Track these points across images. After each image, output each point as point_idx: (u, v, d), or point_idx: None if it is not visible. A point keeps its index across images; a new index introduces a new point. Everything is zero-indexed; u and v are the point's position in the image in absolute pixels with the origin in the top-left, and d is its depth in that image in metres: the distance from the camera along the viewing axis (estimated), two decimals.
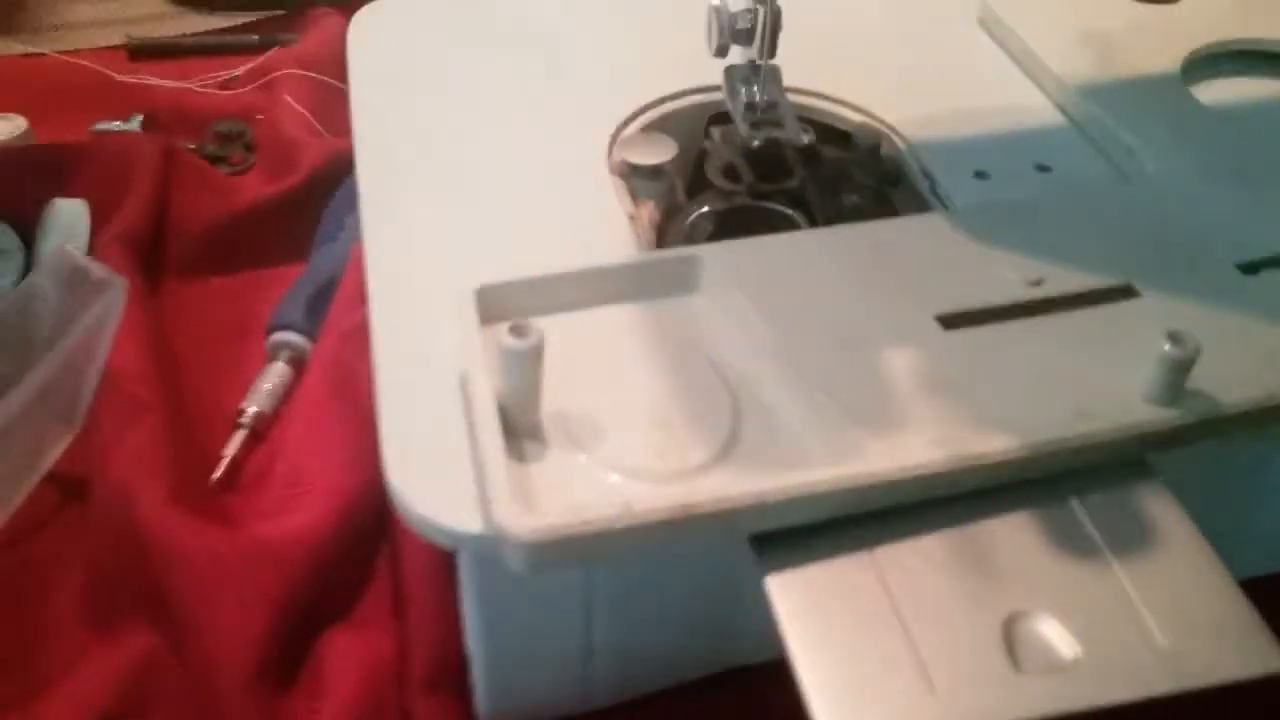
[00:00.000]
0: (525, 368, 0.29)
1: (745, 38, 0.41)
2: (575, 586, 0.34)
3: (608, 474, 0.31)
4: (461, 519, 0.30)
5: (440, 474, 0.31)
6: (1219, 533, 0.31)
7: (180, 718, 0.38)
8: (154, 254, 0.55)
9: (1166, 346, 0.31)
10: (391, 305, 0.36)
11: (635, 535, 0.28)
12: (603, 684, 0.38)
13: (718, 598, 0.36)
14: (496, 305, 0.33)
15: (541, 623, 0.35)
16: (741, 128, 0.43)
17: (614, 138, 0.44)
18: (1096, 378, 0.33)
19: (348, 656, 0.39)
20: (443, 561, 0.42)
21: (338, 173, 0.56)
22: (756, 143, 0.42)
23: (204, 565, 0.39)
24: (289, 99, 0.60)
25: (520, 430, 0.31)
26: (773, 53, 0.42)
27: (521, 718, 0.38)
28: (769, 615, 0.29)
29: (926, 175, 0.43)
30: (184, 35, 0.73)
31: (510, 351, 0.29)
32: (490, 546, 0.29)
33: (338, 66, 0.57)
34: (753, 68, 0.42)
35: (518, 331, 0.29)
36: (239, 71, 0.65)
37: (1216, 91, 0.48)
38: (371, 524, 0.42)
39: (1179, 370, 0.32)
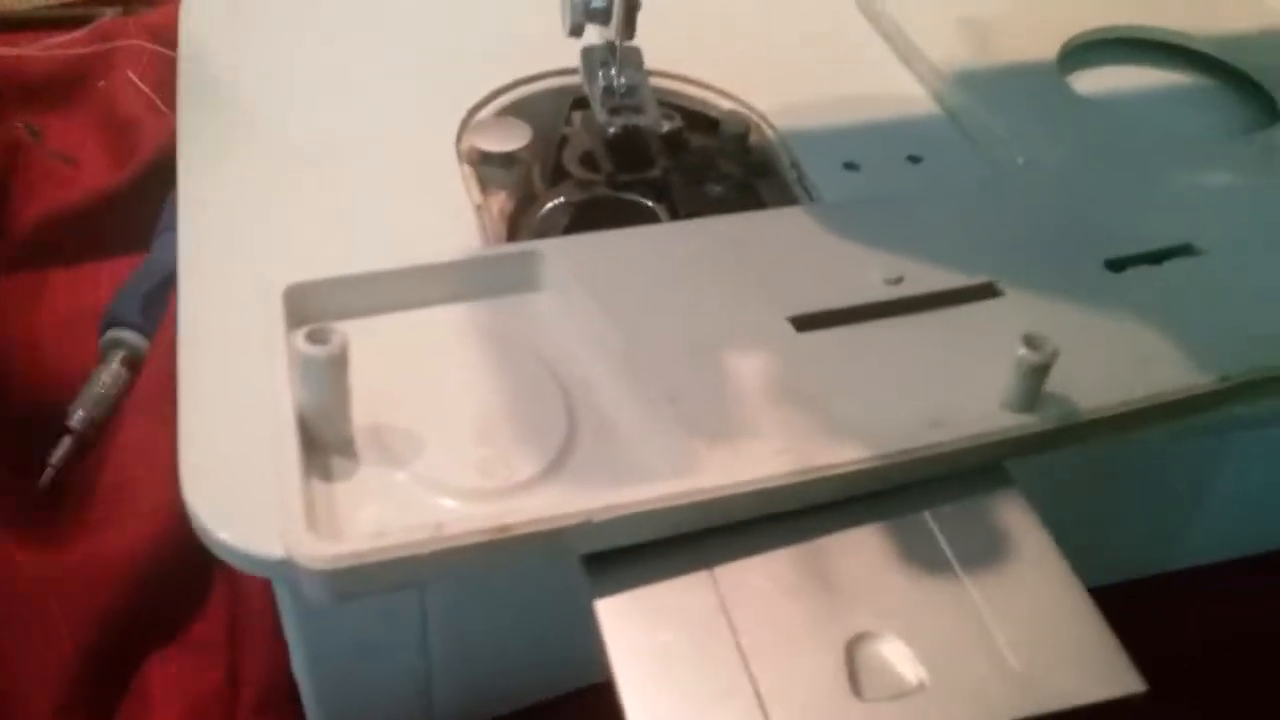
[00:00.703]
0: (327, 377, 0.27)
1: (601, 16, 0.39)
2: (407, 609, 0.32)
3: (426, 493, 0.28)
4: (264, 544, 0.27)
5: (243, 494, 0.28)
6: (1088, 537, 0.30)
7: None
8: None
9: (1022, 350, 0.30)
10: (201, 305, 0.33)
11: (448, 559, 0.26)
12: (445, 709, 0.36)
13: (563, 616, 0.34)
14: (309, 307, 0.31)
15: (372, 648, 0.33)
16: (599, 113, 0.40)
17: (464, 123, 0.41)
18: (953, 383, 0.32)
19: (173, 683, 0.37)
20: None
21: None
22: (613, 130, 0.40)
23: (18, 589, 0.36)
24: (131, 75, 0.56)
25: (329, 446, 0.28)
26: (630, 33, 0.39)
27: None
28: (598, 642, 0.27)
29: (795, 166, 0.41)
30: (36, 7, 0.68)
31: (308, 359, 0.26)
32: (294, 579, 0.27)
33: None
34: (611, 49, 0.40)
35: (316, 337, 0.26)
36: (79, 34, 0.60)
37: (1093, 80, 0.47)
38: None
39: (1035, 375, 0.30)
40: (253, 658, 0.37)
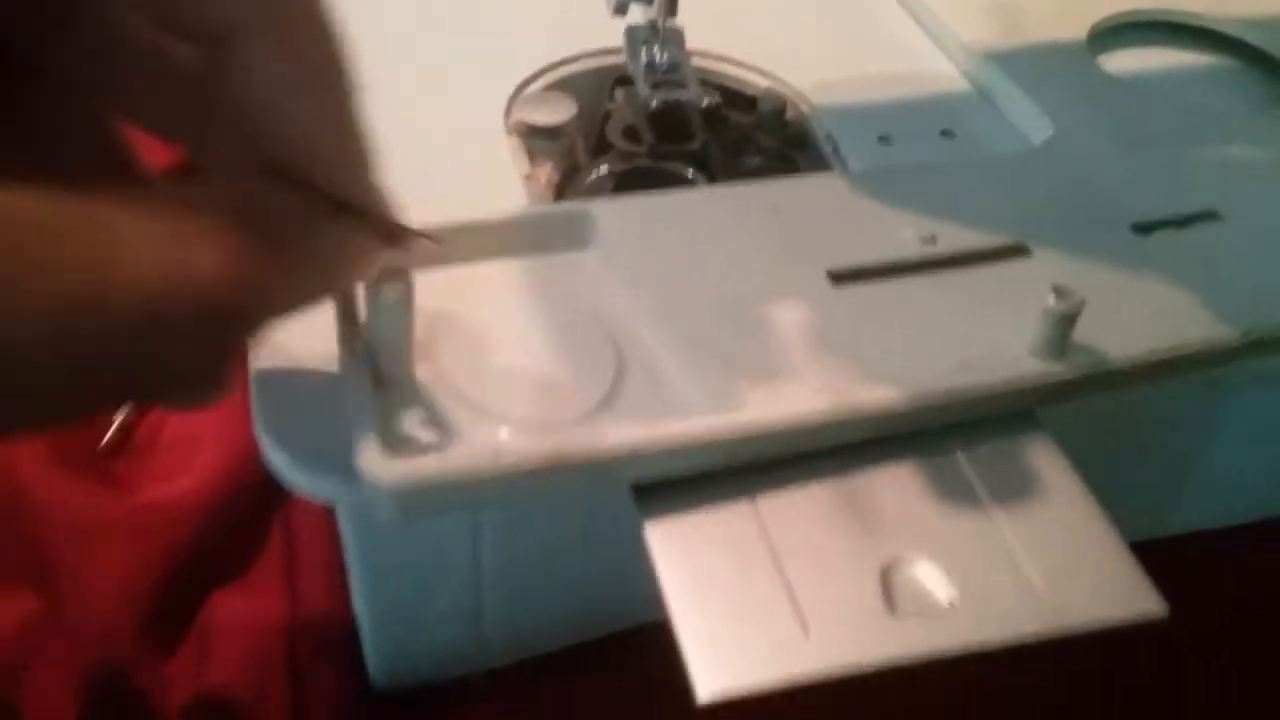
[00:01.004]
0: (394, 315, 0.29)
1: None
2: (461, 541, 0.34)
3: (483, 424, 0.30)
4: (331, 469, 0.29)
5: (313, 427, 0.30)
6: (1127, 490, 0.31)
7: (62, 680, 0.37)
8: None
9: (1051, 300, 0.31)
10: None
11: (506, 483, 0.28)
12: (497, 644, 0.37)
13: (612, 552, 0.36)
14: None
15: (428, 580, 0.35)
16: (642, 88, 0.42)
17: (513, 98, 0.43)
18: (985, 333, 0.33)
19: (236, 619, 0.38)
20: (334, 521, 0.41)
21: None
22: (655, 104, 0.42)
23: (86, 528, 0.38)
24: None
25: (393, 380, 0.30)
26: (673, 12, 0.41)
27: (414, 680, 0.38)
28: (648, 564, 0.29)
29: (830, 139, 0.43)
30: None
31: (377, 299, 0.28)
32: (361, 499, 0.28)
33: None
34: (653, 28, 0.42)
35: (386, 277, 0.28)
36: None
37: (1121, 61, 0.48)
38: (264, 484, 0.41)
39: (1063, 324, 0.32)
40: (311, 596, 0.39)
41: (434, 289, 0.31)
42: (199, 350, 0.18)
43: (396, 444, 0.29)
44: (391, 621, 0.35)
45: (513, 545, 0.35)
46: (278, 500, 0.43)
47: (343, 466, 0.29)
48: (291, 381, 0.31)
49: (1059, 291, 0.31)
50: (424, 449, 0.28)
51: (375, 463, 0.27)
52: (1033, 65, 0.45)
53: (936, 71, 0.47)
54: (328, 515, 0.41)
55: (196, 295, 0.18)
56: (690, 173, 0.42)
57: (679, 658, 0.27)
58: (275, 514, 0.42)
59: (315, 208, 0.22)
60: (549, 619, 0.37)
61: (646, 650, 0.39)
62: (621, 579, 0.37)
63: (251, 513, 0.41)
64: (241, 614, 0.38)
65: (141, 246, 0.17)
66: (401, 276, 0.28)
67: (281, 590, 0.39)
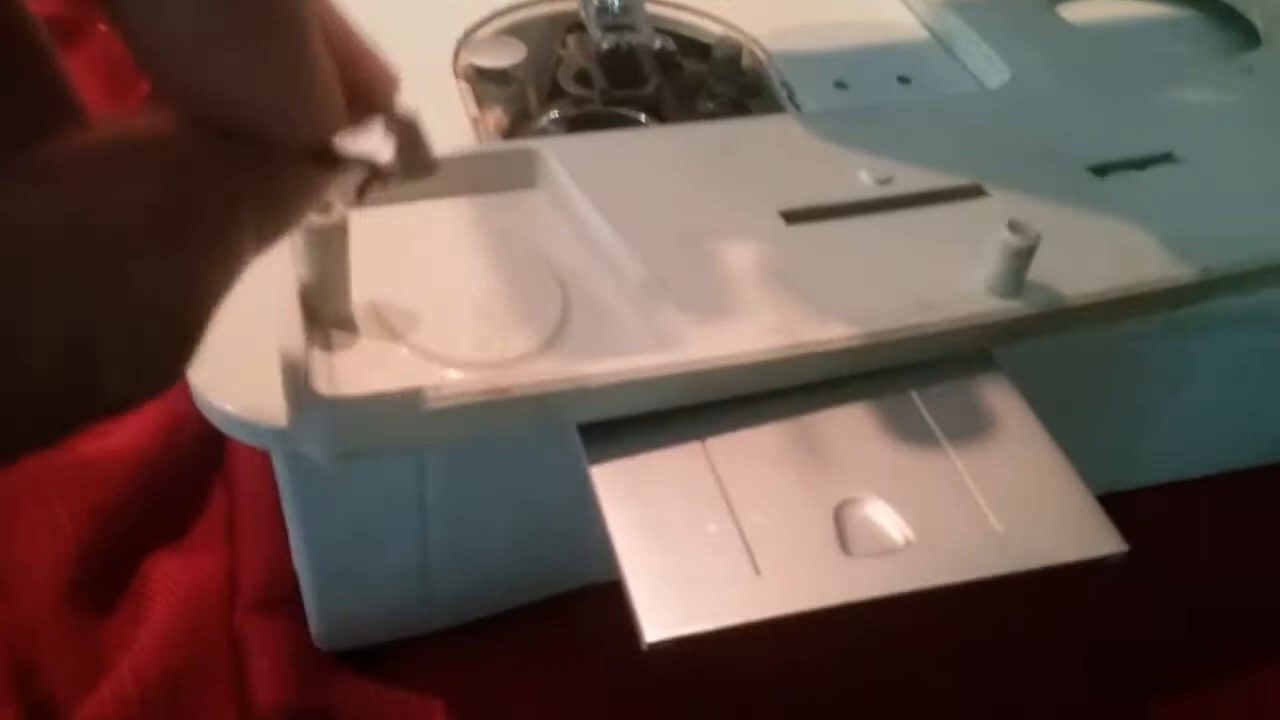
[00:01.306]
0: (327, 249, 0.27)
1: None
2: (405, 492, 0.33)
3: (424, 363, 0.29)
4: (265, 413, 0.28)
5: (247, 368, 0.28)
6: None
7: None
8: None
9: (1007, 235, 0.31)
10: None
11: (446, 419, 0.26)
12: (444, 603, 0.36)
13: (563, 506, 0.35)
14: None
15: (371, 536, 0.33)
16: (593, 31, 0.41)
17: (461, 42, 0.42)
18: (941, 272, 0.32)
19: (171, 580, 0.37)
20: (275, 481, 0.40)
21: None
22: (607, 45, 0.40)
23: (11, 484, 0.36)
24: None
25: (328, 319, 0.29)
26: None
27: (358, 639, 0.36)
28: (594, 508, 0.28)
29: (785, 85, 0.42)
30: None
31: (310, 229, 0.27)
32: (295, 440, 0.27)
33: None
34: None
35: (318, 210, 0.27)
36: None
37: (1080, 10, 0.47)
38: (204, 441, 0.40)
39: (1020, 259, 0.31)
40: (251, 556, 0.38)
41: (376, 227, 0.30)
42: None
43: (330, 387, 0.27)
44: (333, 580, 0.34)
45: (460, 497, 0.33)
46: (219, 460, 0.41)
47: (277, 411, 0.28)
48: (227, 324, 0.30)
49: (1014, 226, 0.31)
50: (361, 387, 0.27)
51: (308, 401, 0.26)
52: (991, 13, 0.45)
53: (894, 20, 0.46)
54: (266, 475, 0.40)
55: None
56: (643, 118, 0.41)
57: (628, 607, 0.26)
58: (217, 475, 0.41)
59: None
60: (498, 576, 0.36)
61: (597, 608, 0.38)
62: (573, 534, 0.36)
63: (190, 471, 0.40)
64: (179, 575, 0.37)
65: None
66: (334, 209, 0.27)
67: (221, 552, 0.38)
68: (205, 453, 0.41)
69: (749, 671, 0.36)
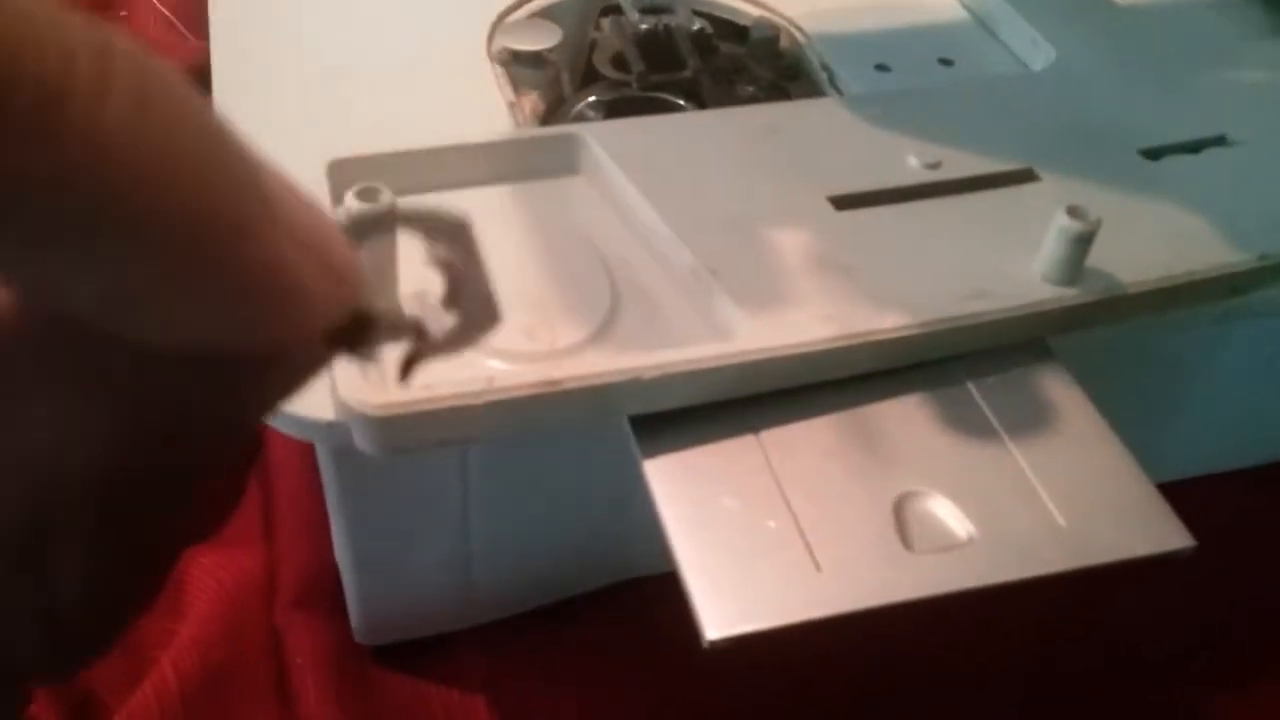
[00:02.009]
0: (376, 237, 0.27)
1: None
2: (449, 486, 0.32)
3: (473, 355, 0.28)
4: (313, 407, 0.27)
5: None
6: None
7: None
8: None
9: (1065, 220, 0.30)
10: None
11: (498, 413, 0.26)
12: (486, 596, 0.36)
13: (607, 497, 0.34)
14: (353, 182, 0.30)
15: (414, 528, 0.33)
16: (630, 13, 0.40)
17: (495, 25, 0.41)
18: (994, 259, 0.32)
19: (211, 576, 0.37)
20: (314, 477, 0.39)
21: (205, 79, 0.52)
22: (645, 26, 0.40)
23: None
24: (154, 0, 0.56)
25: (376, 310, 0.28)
26: None
27: (398, 634, 0.36)
28: (649, 502, 0.27)
29: (825, 68, 0.41)
30: None
31: (359, 215, 0.26)
32: (345, 435, 0.27)
33: None
34: None
35: (366, 196, 0.26)
36: None
37: None
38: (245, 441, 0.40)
39: (1078, 245, 0.30)
40: (290, 552, 0.38)
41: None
42: None
43: (378, 379, 0.27)
44: (375, 574, 0.34)
45: (502, 490, 0.33)
46: (252, 460, 0.41)
47: (324, 405, 0.27)
48: None
49: (1073, 211, 0.30)
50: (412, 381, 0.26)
51: (359, 394, 0.25)
52: None
53: (932, 0, 0.45)
54: (309, 470, 0.39)
55: None
56: (681, 102, 0.40)
57: (684, 602, 0.25)
58: (252, 470, 0.41)
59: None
60: (539, 570, 0.36)
61: (639, 600, 0.38)
62: (615, 526, 0.35)
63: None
64: (218, 572, 0.36)
65: None
66: (382, 191, 0.26)
67: (259, 547, 0.38)
68: (240, 448, 0.40)
69: (796, 663, 0.35)
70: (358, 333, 0.14)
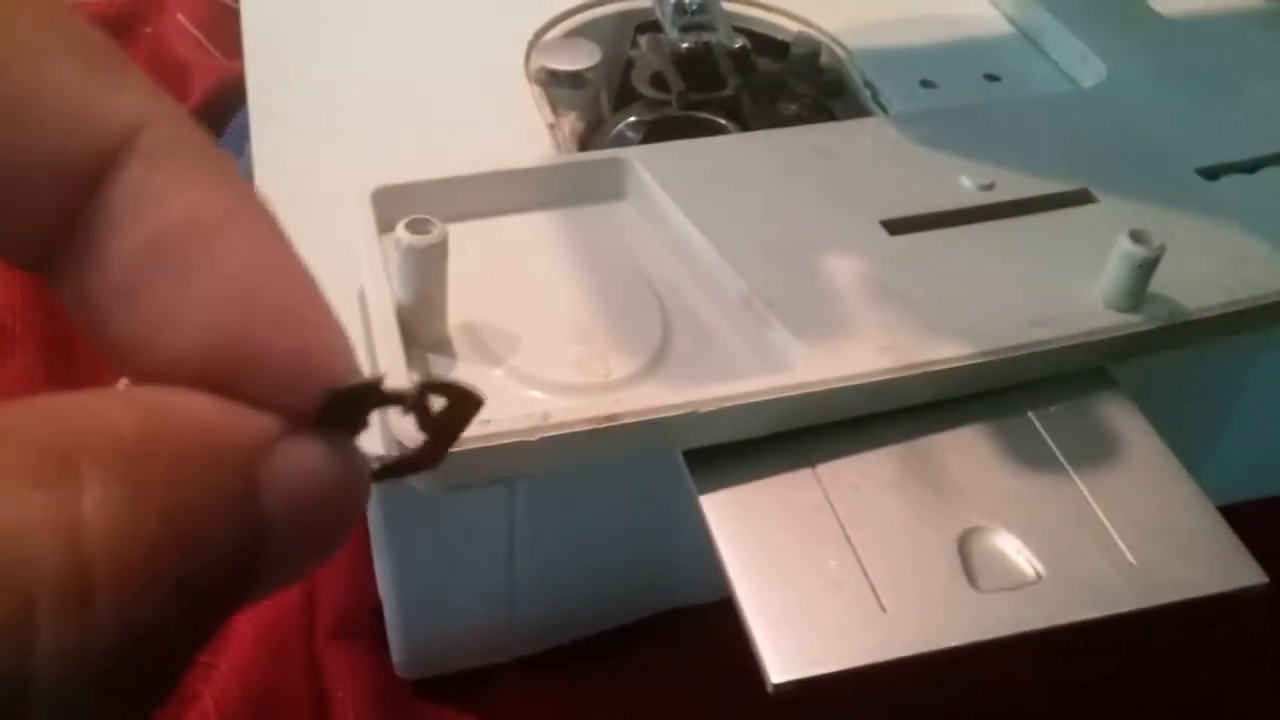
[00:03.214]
0: (427, 269, 0.26)
1: None
2: (495, 518, 0.31)
3: (524, 388, 0.28)
4: (363, 441, 0.26)
5: None
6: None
7: None
8: None
9: (1128, 245, 0.29)
10: (280, 217, 0.32)
11: (554, 449, 0.25)
12: (527, 629, 0.35)
13: (650, 530, 0.34)
14: (397, 210, 0.30)
15: (458, 560, 0.32)
16: (670, 31, 0.40)
17: (531, 44, 0.40)
18: (1054, 284, 0.31)
19: (248, 608, 0.36)
20: None
21: (233, 98, 0.51)
22: (686, 45, 0.39)
23: None
24: (180, 18, 0.55)
25: (425, 343, 0.28)
26: None
27: (439, 667, 0.35)
28: (706, 538, 0.26)
29: (868, 85, 0.41)
30: None
31: (410, 248, 0.26)
32: None
33: None
34: None
35: (417, 227, 0.26)
36: None
37: (1171, 3, 0.46)
38: None
39: (1141, 272, 0.29)
40: (327, 581, 0.37)
41: (463, 243, 0.29)
42: None
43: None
44: (419, 607, 0.33)
45: (547, 523, 0.32)
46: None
47: (373, 439, 0.26)
48: None
49: (1137, 236, 0.29)
50: None
51: (413, 430, 0.24)
52: (1080, 6, 0.43)
53: (974, 13, 0.44)
54: None
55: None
56: (723, 121, 0.39)
57: (724, 633, 0.25)
58: None
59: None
60: (582, 601, 0.35)
61: (681, 632, 0.37)
62: (658, 558, 0.35)
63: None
64: (255, 605, 0.36)
65: None
66: (433, 224, 0.26)
67: None
68: None
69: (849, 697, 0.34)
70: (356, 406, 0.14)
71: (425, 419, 0.15)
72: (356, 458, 0.15)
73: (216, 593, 0.13)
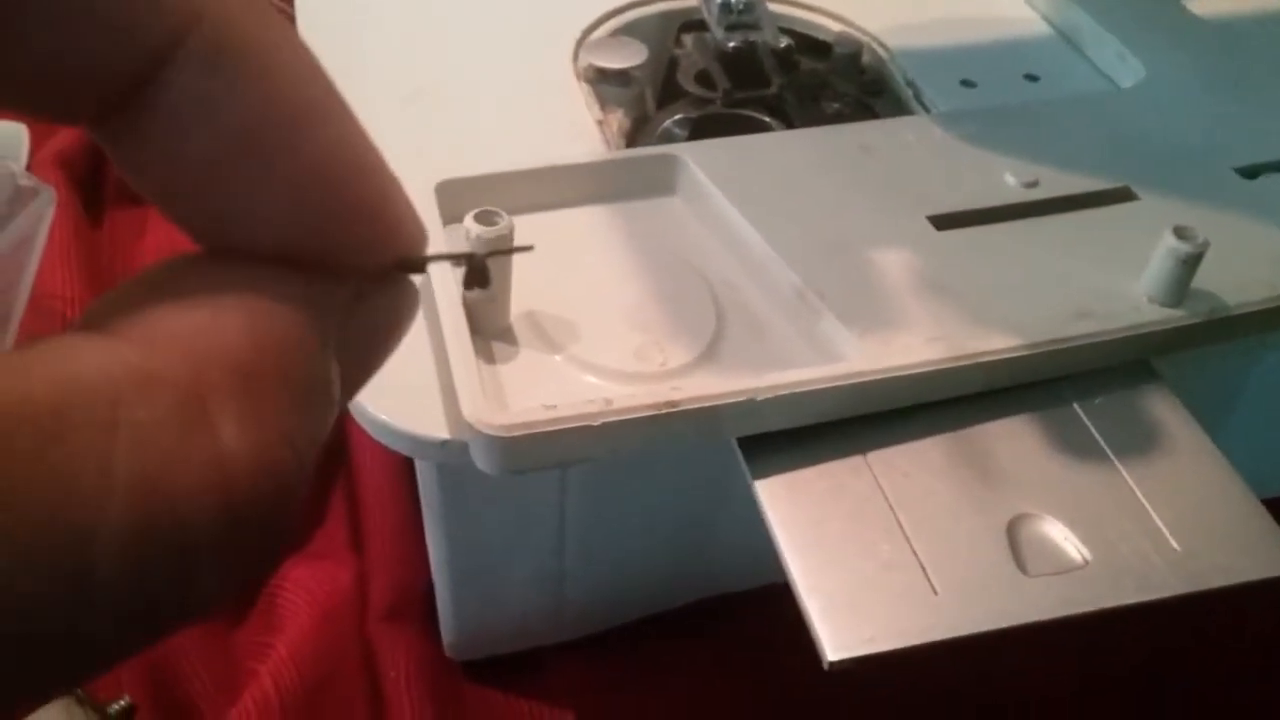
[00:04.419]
0: (493, 261, 0.27)
1: None
2: (547, 505, 0.32)
3: (585, 375, 0.28)
4: (426, 424, 0.27)
5: (402, 379, 0.28)
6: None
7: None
8: (93, 179, 0.52)
9: (1173, 241, 0.30)
10: None
11: (615, 434, 0.26)
12: (575, 613, 0.36)
13: (694, 519, 0.35)
14: (458, 203, 0.31)
15: (510, 544, 0.33)
16: (716, 30, 0.40)
17: (579, 43, 0.41)
18: (1098, 279, 0.31)
19: (302, 589, 0.37)
20: (402, 490, 0.39)
21: None
22: (732, 44, 0.40)
23: None
24: None
25: (488, 332, 0.29)
26: None
27: (489, 648, 0.36)
28: (761, 522, 0.27)
29: (910, 84, 0.41)
30: None
31: (478, 240, 0.27)
32: (458, 452, 0.27)
33: None
34: None
35: (485, 219, 0.27)
36: None
37: (1206, 3, 0.46)
38: (328, 453, 0.40)
39: (1185, 266, 0.30)
40: (380, 565, 0.38)
41: (521, 235, 0.30)
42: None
43: (497, 399, 0.27)
44: (472, 589, 0.34)
45: (598, 507, 0.33)
46: (336, 472, 0.41)
47: (436, 423, 0.27)
48: None
49: (1181, 233, 0.30)
50: (525, 404, 0.27)
51: (481, 414, 0.25)
52: (1117, 6, 0.43)
53: (1013, 14, 0.45)
54: (395, 482, 0.40)
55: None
56: (767, 119, 0.40)
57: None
58: (334, 483, 0.41)
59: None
60: (630, 585, 0.36)
61: (728, 617, 0.38)
62: (704, 544, 0.36)
63: (317, 482, 0.40)
64: (312, 585, 0.37)
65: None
66: (500, 215, 0.27)
67: (348, 561, 0.38)
68: (323, 460, 0.41)
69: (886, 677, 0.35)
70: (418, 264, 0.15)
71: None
72: (415, 294, 0.15)
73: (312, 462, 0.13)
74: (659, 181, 0.34)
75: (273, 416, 0.12)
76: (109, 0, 0.12)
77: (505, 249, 0.18)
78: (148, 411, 0.11)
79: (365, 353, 0.15)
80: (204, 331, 0.12)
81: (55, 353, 0.11)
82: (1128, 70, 0.41)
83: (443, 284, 0.28)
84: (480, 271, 0.18)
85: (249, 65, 0.13)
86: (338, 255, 0.14)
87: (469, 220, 0.27)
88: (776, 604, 0.27)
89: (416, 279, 0.15)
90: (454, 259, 0.18)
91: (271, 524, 0.12)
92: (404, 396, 0.28)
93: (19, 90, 0.13)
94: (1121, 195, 0.34)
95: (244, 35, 0.13)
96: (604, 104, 0.40)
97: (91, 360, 0.11)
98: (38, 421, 0.11)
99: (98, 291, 0.43)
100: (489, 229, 0.26)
